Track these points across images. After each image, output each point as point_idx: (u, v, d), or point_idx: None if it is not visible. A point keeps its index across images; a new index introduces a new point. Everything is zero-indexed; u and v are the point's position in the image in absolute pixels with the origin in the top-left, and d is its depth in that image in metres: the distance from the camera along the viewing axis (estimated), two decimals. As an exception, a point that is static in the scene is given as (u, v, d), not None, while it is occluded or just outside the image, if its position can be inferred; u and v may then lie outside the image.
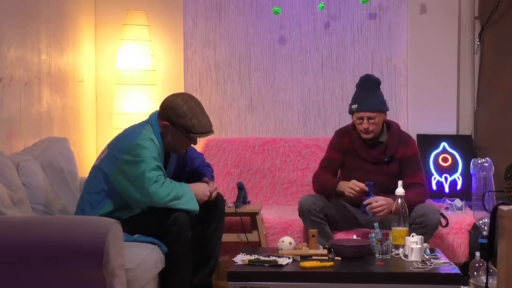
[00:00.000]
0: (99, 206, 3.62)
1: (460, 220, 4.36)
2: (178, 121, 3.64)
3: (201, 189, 3.72)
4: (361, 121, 4.20)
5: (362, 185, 4.08)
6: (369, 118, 4.18)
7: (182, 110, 3.64)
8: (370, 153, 4.26)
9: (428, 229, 4.00)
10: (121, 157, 3.58)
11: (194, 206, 3.60)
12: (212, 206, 3.79)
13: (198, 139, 3.75)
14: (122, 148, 3.61)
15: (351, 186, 4.09)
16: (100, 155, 3.75)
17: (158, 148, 3.63)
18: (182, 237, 3.58)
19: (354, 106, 4.22)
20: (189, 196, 3.60)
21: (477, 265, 4.00)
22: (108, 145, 3.75)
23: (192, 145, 3.79)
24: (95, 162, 3.77)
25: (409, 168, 4.23)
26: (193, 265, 3.67)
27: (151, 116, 3.76)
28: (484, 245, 3.99)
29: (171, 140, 3.70)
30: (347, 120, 4.63)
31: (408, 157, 4.25)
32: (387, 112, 4.33)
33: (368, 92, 4.24)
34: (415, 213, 4.01)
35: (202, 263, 3.78)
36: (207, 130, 3.70)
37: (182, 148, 3.77)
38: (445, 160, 5.08)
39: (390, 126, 4.33)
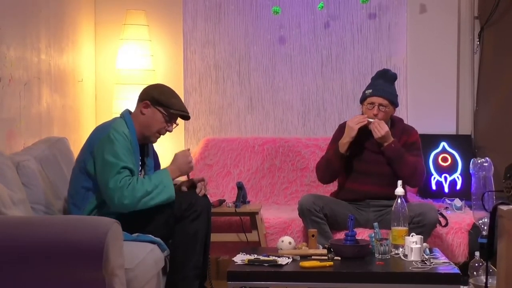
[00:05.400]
0: (84, 204, 3.61)
1: (459, 220, 4.36)
2: (159, 97, 3.70)
3: (183, 160, 3.73)
4: (372, 106, 4.22)
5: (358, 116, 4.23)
6: (380, 105, 4.21)
7: (164, 89, 3.78)
8: (374, 142, 4.26)
9: (426, 228, 4.00)
10: (94, 149, 3.60)
11: (168, 194, 3.58)
12: (201, 209, 3.71)
13: (173, 127, 3.75)
14: (94, 142, 3.63)
15: (351, 125, 4.18)
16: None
17: (130, 141, 3.63)
18: (205, 216, 3.63)
19: (369, 91, 4.25)
20: (161, 186, 3.58)
21: (476, 265, 4.00)
22: (83, 146, 3.75)
23: (164, 133, 3.76)
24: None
25: (409, 153, 4.23)
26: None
27: (123, 112, 3.80)
28: (484, 245, 3.98)
29: (147, 121, 3.70)
30: (347, 119, 4.62)
31: (409, 143, 4.29)
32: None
33: (385, 82, 4.29)
34: (413, 212, 3.99)
35: None
36: (185, 111, 3.77)
37: (157, 132, 3.74)
38: (444, 160, 5.08)
39: (394, 120, 4.37)
